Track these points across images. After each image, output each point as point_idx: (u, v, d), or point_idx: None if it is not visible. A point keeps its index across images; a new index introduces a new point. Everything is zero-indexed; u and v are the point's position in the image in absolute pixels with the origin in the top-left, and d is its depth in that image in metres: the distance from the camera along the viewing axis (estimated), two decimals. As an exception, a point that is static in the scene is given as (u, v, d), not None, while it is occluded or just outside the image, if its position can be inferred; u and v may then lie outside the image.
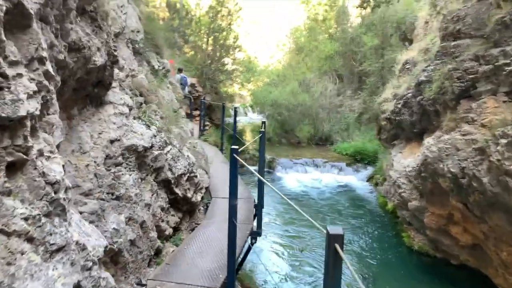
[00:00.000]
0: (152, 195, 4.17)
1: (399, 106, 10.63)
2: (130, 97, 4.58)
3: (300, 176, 16.46)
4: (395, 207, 12.08)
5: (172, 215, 4.61)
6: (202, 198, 5.77)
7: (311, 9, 24.15)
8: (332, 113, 20.01)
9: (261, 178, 3.42)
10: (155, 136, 4.37)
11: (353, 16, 23.70)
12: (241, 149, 3.51)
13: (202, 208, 5.65)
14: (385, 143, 13.80)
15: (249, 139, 19.12)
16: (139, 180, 3.98)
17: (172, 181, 4.49)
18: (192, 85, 16.76)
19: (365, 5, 12.49)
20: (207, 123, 16.91)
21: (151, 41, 7.16)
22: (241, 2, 18.62)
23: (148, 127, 4.40)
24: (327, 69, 21.42)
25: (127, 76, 4.86)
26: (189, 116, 13.28)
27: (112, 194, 3.51)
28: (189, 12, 17.83)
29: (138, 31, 6.00)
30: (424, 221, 8.44)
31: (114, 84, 4.25)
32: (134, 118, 4.36)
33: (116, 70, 4.48)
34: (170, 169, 4.48)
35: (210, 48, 18.22)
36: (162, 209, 4.31)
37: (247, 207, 5.69)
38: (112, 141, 3.79)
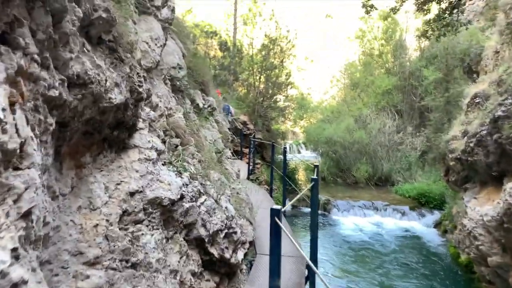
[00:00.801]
0: (181, 257, 3.39)
1: (471, 145, 9.27)
2: (162, 140, 3.95)
3: (359, 220, 15.04)
4: (470, 261, 10.41)
5: (207, 280, 3.79)
6: (246, 254, 4.90)
7: (366, 43, 23.30)
8: (391, 151, 18.52)
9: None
10: (186, 185, 3.65)
11: (411, 49, 22.47)
12: (284, 208, 2.65)
13: (244, 267, 4.76)
14: (454, 186, 12.17)
15: (302, 179, 18.09)
16: (164, 240, 3.24)
17: (206, 240, 3.70)
18: (244, 123, 16.32)
19: (428, 34, 11.41)
20: (258, 161, 16.23)
21: (196, 77, 6.67)
22: (294, 39, 18.27)
23: (180, 174, 3.70)
24: (384, 105, 20.14)
25: (161, 115, 4.27)
26: (239, 154, 12.67)
27: (127, 261, 2.78)
28: (240, 50, 17.74)
29: (180, 68, 5.50)
30: (510, 281, 7.30)
31: (141, 125, 3.65)
32: (164, 164, 3.69)
33: (147, 109, 3.90)
34: (204, 225, 3.70)
35: (262, 85, 17.87)
36: (193, 274, 3.51)
37: (296, 268, 4.74)
38: (132, 194, 3.11)
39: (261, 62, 16.82)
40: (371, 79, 21.09)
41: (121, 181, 3.12)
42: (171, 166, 3.73)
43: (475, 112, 11.24)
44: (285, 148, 7.24)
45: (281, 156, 18.94)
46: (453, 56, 15.23)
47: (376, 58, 22.84)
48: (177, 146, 4.33)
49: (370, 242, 12.86)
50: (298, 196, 3.69)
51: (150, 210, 3.20)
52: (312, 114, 22.37)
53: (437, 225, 13.98)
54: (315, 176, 4.42)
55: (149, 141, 3.59)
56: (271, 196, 9.63)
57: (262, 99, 17.36)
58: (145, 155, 3.45)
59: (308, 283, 4.92)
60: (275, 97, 18.28)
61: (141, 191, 3.19)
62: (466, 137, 9.79)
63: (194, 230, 3.65)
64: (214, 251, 3.84)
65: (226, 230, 3.97)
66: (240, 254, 4.34)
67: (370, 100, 20.60)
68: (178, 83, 5.36)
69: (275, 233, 2.49)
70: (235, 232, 4.08)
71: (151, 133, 3.81)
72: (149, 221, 3.17)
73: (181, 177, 3.67)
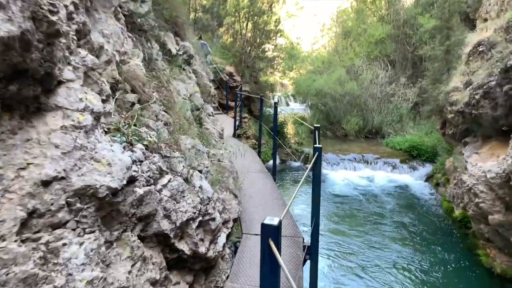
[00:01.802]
0: (133, 265, 2.29)
1: (477, 97, 8.21)
2: (107, 96, 2.70)
3: (349, 174, 14.21)
4: (465, 216, 9.72)
5: (176, 284, 2.74)
6: (229, 235, 3.85)
7: (359, -11, 21.32)
8: (383, 103, 17.41)
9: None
10: (140, 161, 2.48)
11: (406, -5, 20.64)
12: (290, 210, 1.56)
13: (228, 251, 3.72)
14: (451, 140, 11.24)
15: (291, 133, 17.01)
16: (104, 247, 2.12)
17: (172, 234, 2.59)
18: (230, 74, 14.85)
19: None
20: (245, 115, 15.00)
21: (168, 16, 5.25)
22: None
23: (131, 146, 2.51)
24: (377, 55, 18.72)
25: (108, 62, 2.98)
26: (225, 107, 11.38)
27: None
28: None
29: (143, 0, 4.11)
30: (511, 239, 6.75)
31: (70, 75, 2.39)
32: (107, 133, 2.49)
33: (82, 52, 2.62)
34: (168, 216, 2.57)
35: (249, 33, 16.18)
36: (154, 283, 2.44)
37: (293, 252, 3.74)
38: (47, 183, 1.94)
39: (248, 7, 15.04)
40: (363, 28, 19.45)
41: (28, 164, 1.93)
42: (119, 135, 2.52)
43: (479, 62, 10.09)
44: (276, 103, 6.03)
45: (270, 109, 17.71)
46: (453, 2, 13.73)
47: (369, 5, 21.00)
48: (132, 104, 3.09)
49: (361, 197, 12.11)
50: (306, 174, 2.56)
51: (79, 205, 2.04)
52: (302, 65, 20.85)
53: (428, 178, 13.23)
54: (317, 144, 3.27)
55: (81, 99, 2.35)
56: (259, 155, 8.53)
57: (249, 48, 15.76)
58: (73, 120, 2.22)
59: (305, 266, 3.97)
60: (263, 47, 16.67)
61: (62, 178, 2.00)
62: (470, 89, 8.69)
63: (154, 223, 2.52)
64: (184, 246, 2.75)
65: (200, 218, 2.86)
66: (221, 241, 3.27)
67: (362, 49, 19.11)
68: (139, 20, 4.00)
69: (269, 263, 1.37)
70: (213, 219, 2.97)
71: (87, 87, 2.56)
72: (77, 221, 2.02)
73: (132, 151, 2.48)
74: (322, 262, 8.47)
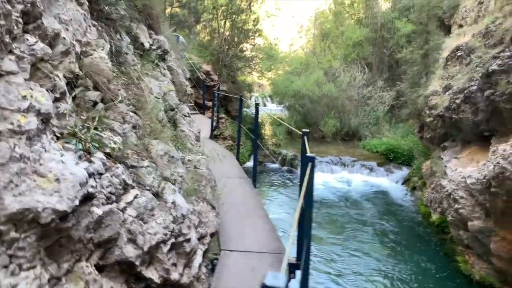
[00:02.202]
0: (88, 304, 1.83)
1: (458, 101, 8.14)
2: (60, 94, 2.21)
3: (326, 177, 13.99)
4: (443, 221, 9.64)
5: (142, 317, 2.28)
6: (206, 251, 3.41)
7: (338, -8, 21.23)
8: (360, 105, 17.34)
9: None
10: (100, 174, 2.01)
11: (383, -1, 20.75)
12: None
13: (204, 271, 3.28)
14: (429, 144, 11.20)
15: (268, 134, 16.67)
16: (49, 285, 1.65)
17: (138, 261, 2.13)
18: (207, 73, 14.34)
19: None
20: (222, 115, 14.52)
21: (141, 7, 4.75)
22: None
23: (87, 156, 2.04)
24: (354, 57, 18.66)
25: (66, 53, 2.48)
26: (202, 107, 10.88)
27: None
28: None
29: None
30: (491, 247, 6.61)
31: (11, 65, 1.90)
32: (58, 139, 2.01)
33: (30, 39, 2.12)
34: (133, 240, 2.12)
35: (227, 32, 15.71)
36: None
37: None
38: (-32, 206, 1.45)
39: (226, 4, 14.55)
40: (341, 30, 19.34)
41: None
42: (74, 142, 2.04)
43: (457, 66, 10.05)
44: (257, 104, 5.61)
45: (247, 110, 17.30)
46: (432, 7, 13.75)
47: (347, 7, 20.94)
48: (95, 104, 2.60)
49: (339, 202, 11.89)
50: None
51: (13, 234, 1.56)
52: (280, 65, 20.54)
53: (405, 181, 13.20)
54: (309, 154, 2.89)
55: (24, 97, 1.86)
56: (237, 158, 8.09)
57: (227, 47, 15.29)
58: (12, 123, 1.74)
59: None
60: (241, 46, 16.23)
61: (-8, 199, 1.52)
62: (450, 93, 8.60)
63: (116, 249, 2.05)
64: (153, 274, 2.29)
65: (172, 240, 2.40)
66: (197, 262, 2.83)
67: (340, 52, 18.99)
68: (107, 8, 3.49)
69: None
70: (188, 240, 2.53)
71: (36, 82, 2.07)
72: (11, 256, 1.54)
73: (90, 161, 2.00)
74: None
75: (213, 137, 13.18)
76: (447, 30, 12.80)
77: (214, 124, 11.07)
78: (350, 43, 18.62)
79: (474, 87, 7.65)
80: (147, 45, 4.65)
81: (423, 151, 13.40)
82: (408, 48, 11.81)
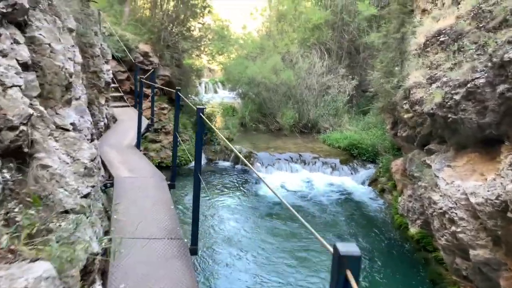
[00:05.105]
0: None
1: (457, 97, 6.36)
2: None
3: (286, 177, 12.06)
4: (424, 236, 8.09)
5: None
6: None
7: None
8: (319, 95, 15.53)
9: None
10: None
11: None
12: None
13: None
14: (404, 142, 9.54)
15: (220, 126, 14.37)
16: None
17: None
18: (145, 54, 11.65)
19: None
20: (165, 105, 11.99)
21: None
22: None
23: None
24: (314, 42, 16.74)
25: None
26: (139, 96, 8.22)
27: None
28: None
29: None
30: (500, 284, 5.23)
31: None
32: None
33: None
34: None
35: (171, 6, 13.03)
36: None
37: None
38: None
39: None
40: (300, 10, 17.30)
41: None
42: None
43: (441, 53, 8.37)
44: (201, 111, 3.34)
45: (195, 98, 14.83)
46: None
47: (305, -13, 18.89)
48: None
49: (298, 204, 10.02)
50: None
51: None
52: (232, 48, 18.16)
53: (372, 182, 11.62)
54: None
55: None
56: (173, 177, 5.70)
57: (171, 24, 12.65)
58: None
59: None
60: (188, 24, 13.63)
61: None
62: (446, 87, 6.83)
63: None
64: None
65: None
66: None
67: (298, 35, 16.96)
68: None
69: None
70: None
71: None
72: None
73: None
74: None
75: (153, 130, 10.69)
76: (407, 15, 11.12)
77: (147, 123, 8.44)
78: (309, 26, 16.66)
79: (482, 80, 5.89)
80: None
81: (389, 147, 11.88)
82: (382, 31, 10.09)
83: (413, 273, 7.25)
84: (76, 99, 3.60)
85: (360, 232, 8.73)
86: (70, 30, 4.38)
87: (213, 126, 3.26)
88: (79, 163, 2.52)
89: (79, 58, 4.62)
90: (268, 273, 6.64)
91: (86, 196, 2.39)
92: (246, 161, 2.36)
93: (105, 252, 2.32)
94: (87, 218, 2.26)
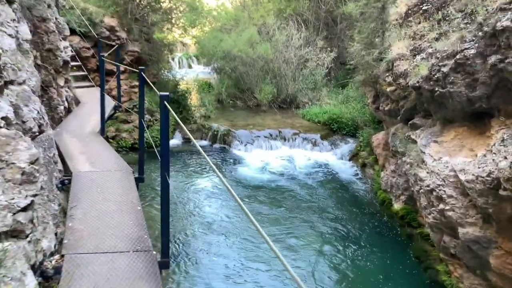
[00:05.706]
0: None
1: (445, 70, 6.02)
2: None
3: (265, 155, 11.67)
4: (408, 212, 7.92)
5: None
6: None
7: None
8: (298, 69, 15.00)
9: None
10: None
11: None
12: None
13: None
14: (386, 116, 9.25)
15: (196, 103, 13.70)
16: None
17: None
18: (111, 28, 10.71)
19: None
20: (135, 83, 11.20)
21: None
22: None
23: None
24: (290, 13, 16.02)
25: None
26: (101, 76, 7.48)
27: None
28: None
29: None
30: (490, 262, 5.14)
31: None
32: None
33: None
34: None
35: (137, -25, 11.97)
36: None
37: None
38: None
39: None
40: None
41: None
42: None
43: (424, 23, 8.03)
44: (165, 98, 2.79)
45: (168, 75, 14.02)
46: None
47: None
48: None
49: (278, 186, 9.66)
50: None
51: None
52: (205, 21, 17.20)
53: (353, 157, 11.41)
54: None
55: None
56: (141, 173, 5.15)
57: (138, -5, 11.65)
58: None
59: None
60: (157, -5, 12.62)
61: None
62: (433, 58, 6.48)
63: None
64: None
65: None
66: None
67: (274, 6, 16.17)
68: None
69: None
70: None
71: None
72: None
73: None
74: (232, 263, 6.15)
75: (124, 110, 9.91)
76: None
77: (113, 105, 7.67)
78: (285, -5, 15.91)
79: (471, 51, 5.55)
80: None
81: (369, 121, 11.63)
82: (361, 0, 9.57)
83: (398, 250, 7.11)
84: (19, 83, 2.98)
85: (343, 209, 8.52)
86: (10, 2, 3.67)
87: (178, 118, 2.73)
88: (14, 168, 1.98)
89: (26, 34, 3.92)
90: (250, 260, 6.32)
91: (25, 209, 1.88)
92: (200, 149, 1.91)
93: (57, 271, 1.83)
94: (26, 237, 1.74)
